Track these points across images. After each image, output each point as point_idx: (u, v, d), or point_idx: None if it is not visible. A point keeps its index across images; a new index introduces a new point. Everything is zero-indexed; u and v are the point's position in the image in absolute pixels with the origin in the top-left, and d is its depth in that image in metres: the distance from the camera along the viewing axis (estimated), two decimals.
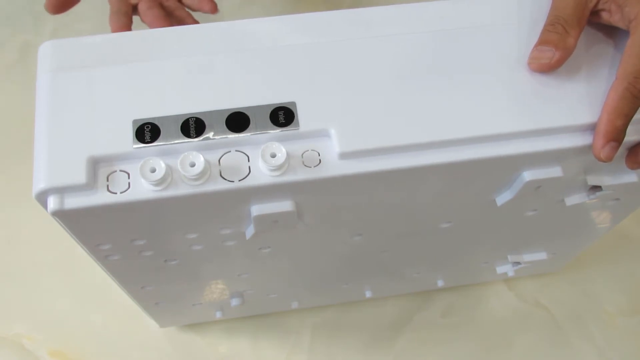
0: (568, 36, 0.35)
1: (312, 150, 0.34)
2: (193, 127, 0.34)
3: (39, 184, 0.32)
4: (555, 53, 0.35)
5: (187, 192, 0.33)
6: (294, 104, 0.35)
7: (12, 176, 0.68)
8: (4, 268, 0.64)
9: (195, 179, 0.33)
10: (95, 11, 0.71)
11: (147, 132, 0.34)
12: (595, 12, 0.36)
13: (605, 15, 0.36)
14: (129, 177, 0.33)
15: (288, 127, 0.34)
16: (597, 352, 0.61)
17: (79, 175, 0.32)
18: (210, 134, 0.34)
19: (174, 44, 0.36)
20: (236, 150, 0.34)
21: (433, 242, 0.48)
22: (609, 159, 0.34)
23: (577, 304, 0.64)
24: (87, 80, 0.35)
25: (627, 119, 0.34)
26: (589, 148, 0.35)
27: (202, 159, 0.32)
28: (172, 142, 0.33)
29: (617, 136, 0.34)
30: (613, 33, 0.37)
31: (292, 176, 0.33)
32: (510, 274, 0.58)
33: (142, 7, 0.57)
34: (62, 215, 0.33)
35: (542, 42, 0.36)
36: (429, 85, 0.35)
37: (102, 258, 0.40)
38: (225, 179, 0.33)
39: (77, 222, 0.34)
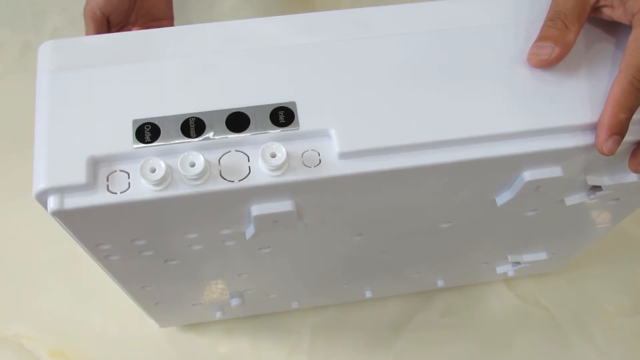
0: (568, 32, 0.35)
1: (312, 150, 0.34)
2: (193, 127, 0.34)
3: (39, 184, 0.32)
4: (554, 49, 0.35)
5: (187, 192, 0.33)
6: (294, 104, 0.35)
7: (12, 176, 0.68)
8: (4, 268, 0.64)
9: (195, 179, 0.33)
10: None
11: (147, 132, 0.34)
12: (596, 8, 0.36)
13: (606, 11, 0.36)
14: (129, 177, 0.33)
15: (288, 127, 0.34)
16: (597, 352, 0.61)
17: (79, 175, 0.32)
18: (210, 134, 0.34)
19: (174, 44, 0.36)
20: (236, 150, 0.34)
21: (433, 242, 0.48)
22: (611, 152, 0.34)
23: (577, 304, 0.64)
24: (87, 80, 0.35)
25: (631, 112, 0.34)
26: (589, 148, 0.35)
27: (202, 159, 0.32)
28: (172, 142, 0.33)
29: (620, 130, 0.34)
30: (614, 30, 0.37)
31: (292, 176, 0.33)
32: (510, 274, 0.58)
33: None
34: (62, 215, 0.33)
35: (542, 37, 0.36)
36: (429, 85, 0.35)
37: (102, 258, 0.40)
38: (225, 179, 0.33)
39: (77, 222, 0.34)
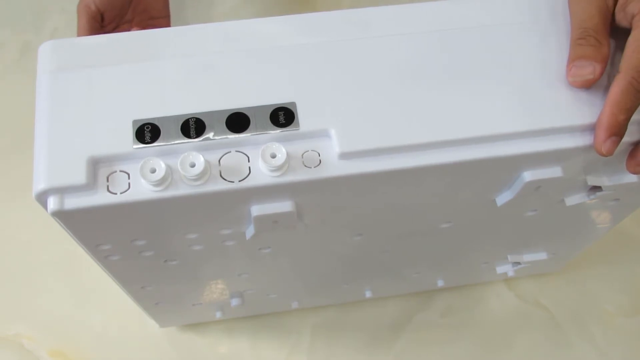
0: (602, 46, 0.35)
1: (312, 150, 0.34)
2: (193, 127, 0.34)
3: (39, 185, 0.32)
4: (595, 66, 0.35)
5: (187, 192, 0.33)
6: (294, 104, 0.35)
7: (12, 176, 0.68)
8: (4, 268, 0.64)
9: (196, 179, 0.33)
10: None
11: (147, 132, 0.34)
12: None
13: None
14: (129, 178, 0.33)
15: (288, 127, 0.34)
16: (597, 352, 0.61)
17: (79, 176, 0.32)
18: (211, 134, 0.34)
19: (174, 44, 0.36)
20: (236, 151, 0.34)
21: (433, 242, 0.48)
22: (609, 153, 0.34)
23: (577, 304, 0.64)
24: (87, 80, 0.35)
25: (630, 113, 0.34)
26: (589, 148, 0.35)
27: (202, 159, 0.32)
28: (172, 142, 0.33)
29: (618, 130, 0.34)
30: (614, 32, 0.37)
31: (292, 176, 0.33)
32: (510, 274, 0.58)
33: None
34: (62, 216, 0.33)
35: (578, 57, 0.35)
36: (429, 85, 0.35)
37: (102, 258, 0.40)
38: (226, 180, 0.33)
39: (77, 222, 0.34)
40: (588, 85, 0.35)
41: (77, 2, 0.59)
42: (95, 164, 0.33)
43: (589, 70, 0.35)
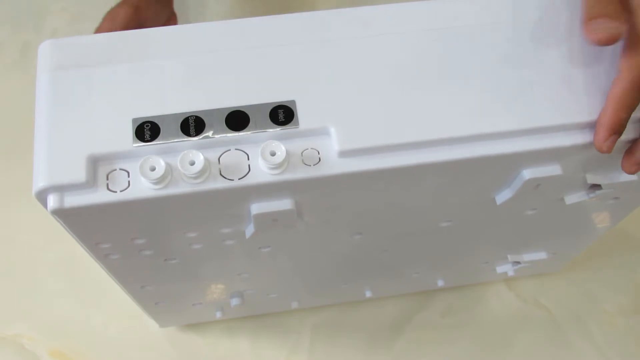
0: (621, 13, 0.32)
1: (311, 148, 0.34)
2: (193, 125, 0.34)
3: (39, 183, 0.32)
4: (619, 24, 0.32)
5: (187, 190, 0.33)
6: (293, 102, 0.35)
7: (12, 175, 0.68)
8: (4, 268, 0.64)
9: (195, 178, 0.33)
10: (95, 11, 0.71)
11: (146, 130, 0.34)
12: None
13: None
14: (128, 176, 0.33)
15: (288, 125, 0.34)
16: (597, 352, 0.61)
17: (79, 174, 0.32)
18: (210, 133, 0.34)
19: (174, 43, 0.36)
20: (236, 149, 0.34)
21: (433, 242, 0.48)
22: (610, 150, 0.34)
23: (577, 304, 0.64)
24: (86, 79, 0.35)
25: (631, 111, 0.34)
26: (588, 146, 0.35)
27: (201, 157, 0.32)
28: (172, 140, 0.33)
29: (619, 129, 0.34)
30: None
31: (291, 174, 0.34)
32: (510, 273, 0.58)
33: None
34: (62, 214, 0.33)
35: (598, 14, 0.32)
36: (428, 84, 0.35)
37: (102, 257, 0.40)
38: (225, 178, 0.33)
39: (77, 220, 0.34)
40: (613, 41, 0.32)
41: (77, 2, 0.59)
42: (95, 162, 0.33)
43: (614, 24, 0.31)
